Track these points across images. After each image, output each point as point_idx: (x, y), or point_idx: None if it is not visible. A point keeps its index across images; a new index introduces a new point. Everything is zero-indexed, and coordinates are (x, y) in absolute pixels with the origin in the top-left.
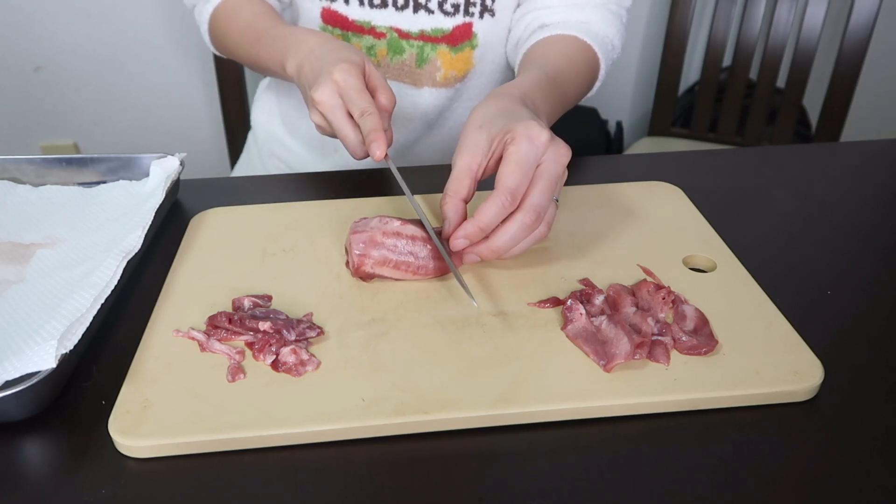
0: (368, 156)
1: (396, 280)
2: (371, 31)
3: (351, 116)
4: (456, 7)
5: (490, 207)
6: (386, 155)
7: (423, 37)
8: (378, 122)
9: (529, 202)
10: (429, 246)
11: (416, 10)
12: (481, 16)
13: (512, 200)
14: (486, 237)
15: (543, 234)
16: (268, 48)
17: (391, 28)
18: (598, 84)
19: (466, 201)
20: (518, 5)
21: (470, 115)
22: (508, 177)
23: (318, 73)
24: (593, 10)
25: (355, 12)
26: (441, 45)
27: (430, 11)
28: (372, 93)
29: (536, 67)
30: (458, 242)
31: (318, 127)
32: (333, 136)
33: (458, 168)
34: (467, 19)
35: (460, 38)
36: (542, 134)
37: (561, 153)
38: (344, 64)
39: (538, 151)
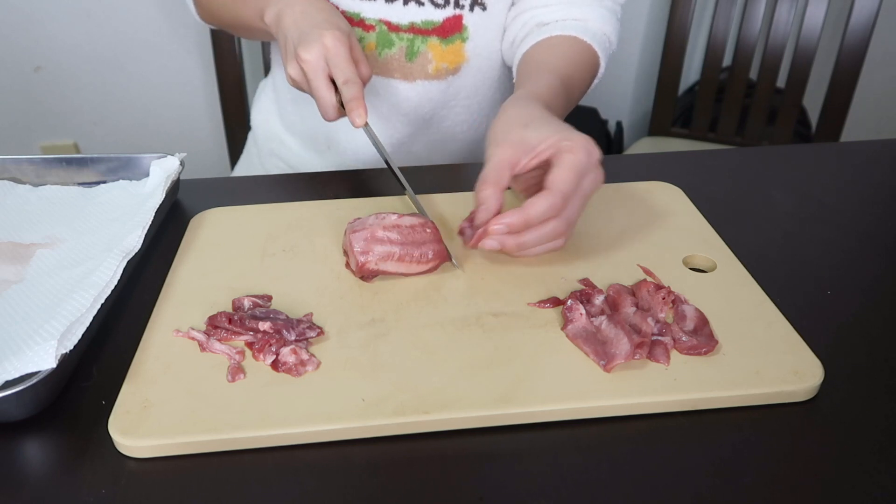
0: (339, 117)
1: (400, 275)
2: (360, 23)
3: (330, 80)
4: None
5: (541, 203)
6: (366, 123)
7: (414, 29)
8: (360, 92)
9: (566, 213)
10: (428, 230)
11: (405, 1)
12: (471, 9)
13: (563, 204)
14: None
15: (559, 247)
16: (250, 2)
17: (381, 21)
18: (596, 81)
19: (503, 191)
20: (512, 4)
21: (506, 112)
22: (565, 181)
23: (306, 31)
24: (590, 7)
25: (346, 3)
26: (432, 38)
27: (421, 3)
28: (354, 63)
29: (547, 72)
30: (498, 227)
31: (293, 80)
32: (304, 91)
33: (500, 158)
34: (457, 11)
35: (451, 30)
36: (596, 153)
37: (600, 178)
38: (336, 31)
39: (588, 168)
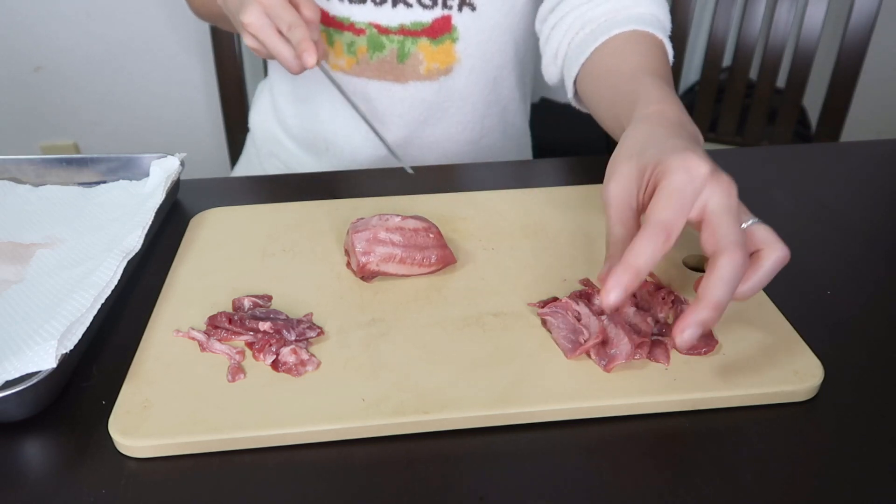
0: (305, 68)
1: (401, 276)
2: (350, 27)
3: (282, 34)
4: (434, 0)
5: (643, 244)
6: (319, 63)
7: (403, 31)
8: (306, 32)
9: (727, 241)
10: (431, 235)
11: (394, 4)
12: (460, 9)
13: (667, 236)
14: (702, 301)
15: (786, 256)
16: None
17: (370, 24)
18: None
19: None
20: (518, 9)
21: (624, 141)
22: (661, 210)
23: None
24: None
25: (335, 7)
26: (422, 39)
27: (409, 5)
28: (296, 8)
29: (644, 75)
30: (611, 297)
31: (254, 50)
32: (272, 57)
33: (614, 199)
34: (445, 12)
35: (440, 30)
36: (700, 166)
37: (726, 185)
38: None
39: (696, 185)
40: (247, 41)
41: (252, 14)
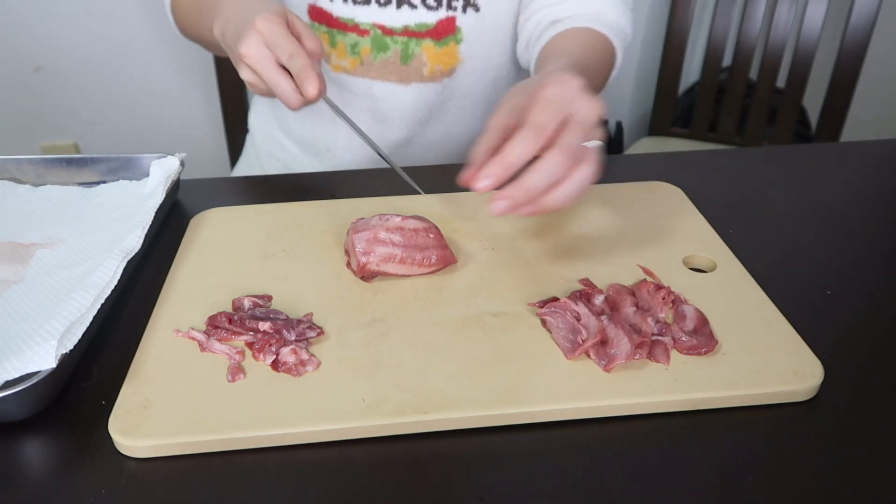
0: (305, 104)
1: (401, 276)
2: (355, 28)
3: (281, 67)
4: (438, 1)
5: (515, 142)
6: (320, 94)
7: (407, 32)
8: (308, 61)
9: (562, 141)
10: (431, 235)
11: (399, 5)
12: (464, 10)
13: (537, 136)
14: (517, 184)
15: (592, 175)
16: (205, 18)
17: (374, 25)
18: (614, 73)
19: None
20: (519, 6)
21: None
22: (536, 114)
23: (241, 29)
24: (602, 1)
25: (339, 9)
26: (426, 40)
27: (413, 6)
28: (297, 39)
29: (562, 56)
30: (482, 183)
31: (251, 85)
32: (269, 94)
33: (491, 124)
34: (450, 13)
35: (444, 32)
36: (573, 80)
37: (593, 103)
38: (265, 13)
39: (568, 95)
40: (243, 75)
41: (251, 45)
